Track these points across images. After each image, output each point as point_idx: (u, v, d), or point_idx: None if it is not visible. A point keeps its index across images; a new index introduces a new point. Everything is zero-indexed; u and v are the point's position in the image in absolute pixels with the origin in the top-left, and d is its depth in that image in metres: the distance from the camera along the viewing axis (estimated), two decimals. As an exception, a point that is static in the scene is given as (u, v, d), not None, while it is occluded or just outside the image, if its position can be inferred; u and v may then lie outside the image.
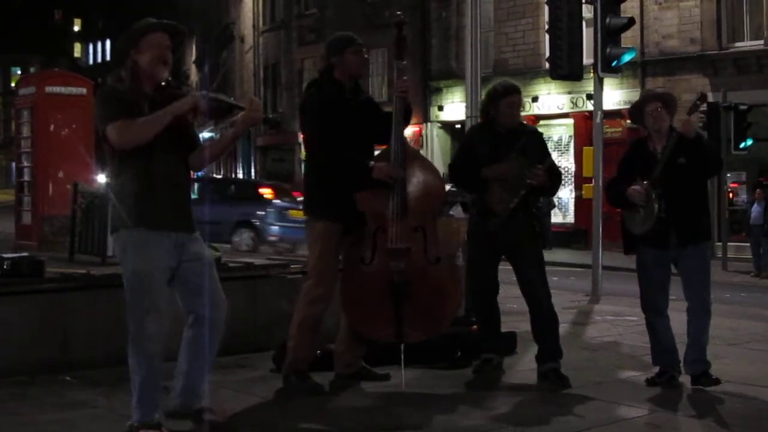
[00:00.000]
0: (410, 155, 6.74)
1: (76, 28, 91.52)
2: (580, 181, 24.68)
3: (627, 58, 13.57)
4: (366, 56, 6.77)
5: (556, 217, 27.49)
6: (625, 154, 7.19)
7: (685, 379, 6.84)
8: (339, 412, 6.07)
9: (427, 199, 6.64)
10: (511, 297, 7.28)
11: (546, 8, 14.51)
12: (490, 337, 7.34)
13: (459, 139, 29.14)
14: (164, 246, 5.13)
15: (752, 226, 22.06)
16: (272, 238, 21.23)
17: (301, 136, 7.12)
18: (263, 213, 21.58)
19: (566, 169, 27.20)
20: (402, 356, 6.55)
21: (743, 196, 25.32)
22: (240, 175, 48.77)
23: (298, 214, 24.75)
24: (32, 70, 65.51)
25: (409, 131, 34.21)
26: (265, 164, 44.25)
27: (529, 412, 6.18)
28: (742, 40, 25.27)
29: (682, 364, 6.85)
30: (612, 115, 24.70)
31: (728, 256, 22.20)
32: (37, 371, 6.67)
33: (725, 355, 7.97)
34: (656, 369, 6.98)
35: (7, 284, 6.97)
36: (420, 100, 34.03)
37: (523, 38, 30.03)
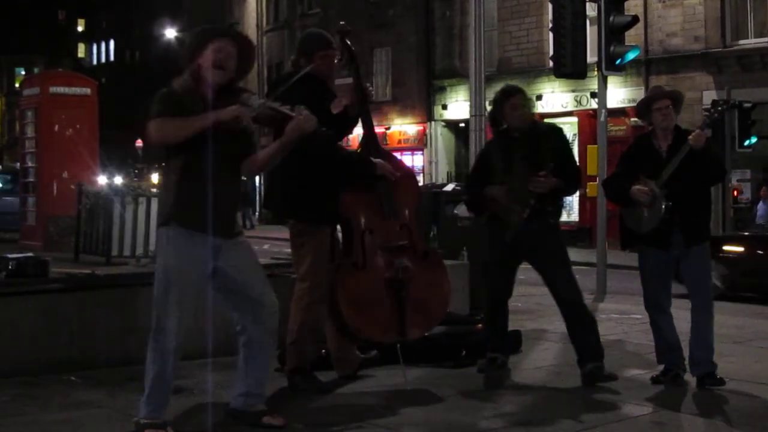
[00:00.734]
0: (388, 156, 6.87)
1: (80, 29, 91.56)
2: (584, 179, 24.60)
3: (631, 56, 13.56)
4: (335, 61, 6.69)
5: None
6: (629, 150, 7.16)
7: (689, 377, 6.84)
8: (343, 411, 6.07)
9: (410, 196, 6.81)
10: (516, 296, 7.27)
11: (550, 7, 14.52)
12: (496, 336, 7.32)
13: (462, 138, 29.19)
14: (198, 246, 5.18)
15: (757, 224, 22.01)
16: None
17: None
18: None
19: (570, 167, 27.18)
20: (400, 355, 6.56)
21: (747, 194, 25.27)
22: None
23: None
24: (36, 70, 65.56)
25: (413, 130, 34.28)
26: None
27: (535, 411, 6.18)
28: (747, 38, 25.21)
29: (687, 364, 6.83)
30: (616, 113, 24.66)
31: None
32: (42, 371, 6.68)
33: (730, 353, 7.96)
34: (661, 367, 6.97)
35: (12, 284, 6.98)
36: (424, 99, 34.07)
37: (526, 37, 30.01)
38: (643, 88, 26.11)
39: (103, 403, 6.05)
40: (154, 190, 11.58)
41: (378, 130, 7.04)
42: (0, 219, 17.44)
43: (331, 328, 6.74)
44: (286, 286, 7.54)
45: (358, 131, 6.84)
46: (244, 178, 5.65)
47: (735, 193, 24.64)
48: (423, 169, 33.24)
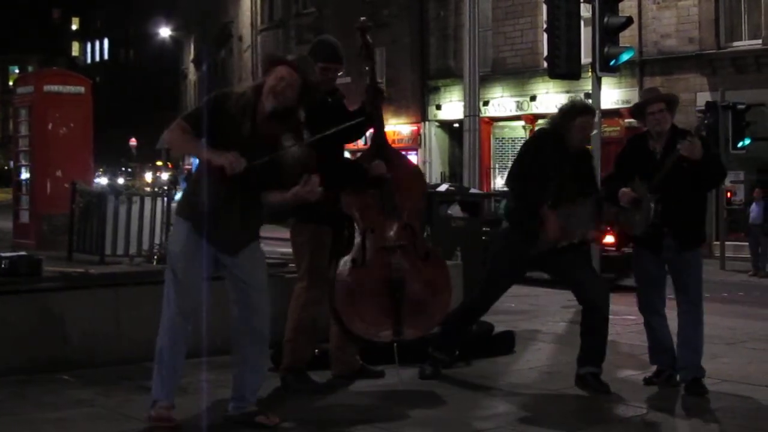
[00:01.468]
0: (393, 155, 6.83)
1: (75, 27, 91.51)
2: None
3: (625, 57, 13.57)
4: (332, 75, 6.60)
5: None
6: (623, 151, 7.13)
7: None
8: (336, 411, 6.08)
9: (413, 196, 6.76)
10: (510, 296, 7.27)
11: (544, 7, 14.52)
12: (458, 339, 7.22)
13: (456, 138, 29.18)
14: (197, 244, 5.36)
15: (751, 225, 22.05)
16: None
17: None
18: None
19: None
20: (396, 355, 6.56)
21: (741, 196, 25.32)
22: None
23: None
24: (30, 69, 65.49)
25: (407, 130, 34.30)
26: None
27: (528, 411, 6.17)
28: (741, 40, 25.27)
29: (677, 365, 6.81)
30: (610, 114, 24.69)
31: (726, 255, 22.21)
32: (35, 370, 6.66)
33: (723, 355, 7.98)
34: (653, 368, 6.98)
35: (5, 283, 6.97)
36: (418, 99, 34.08)
37: (521, 37, 30.03)
38: (637, 89, 26.14)
39: (96, 402, 6.04)
40: (148, 189, 11.56)
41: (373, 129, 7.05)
42: None
43: (334, 327, 6.75)
44: (279, 286, 7.55)
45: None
46: None
47: (728, 194, 24.68)
48: (417, 169, 33.23)
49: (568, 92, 27.43)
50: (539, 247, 6.66)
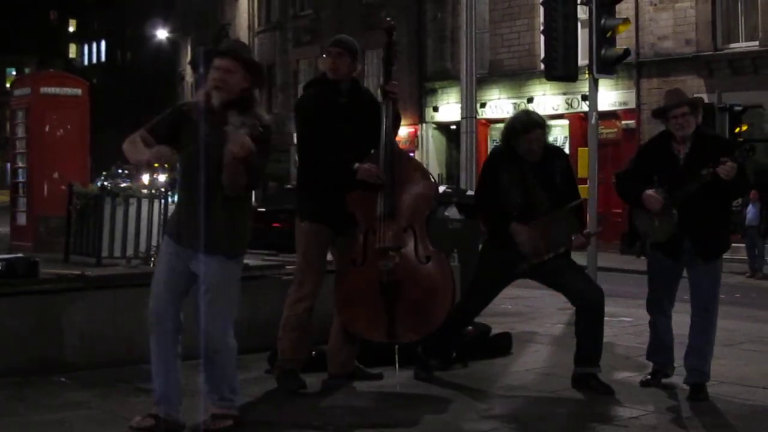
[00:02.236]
0: (400, 156, 6.80)
1: (72, 29, 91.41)
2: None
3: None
4: (333, 59, 6.62)
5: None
6: (646, 147, 6.98)
7: (678, 379, 6.84)
8: (333, 413, 6.08)
9: (416, 199, 6.68)
10: (507, 298, 7.27)
11: (541, 9, 14.52)
12: (450, 343, 7.23)
13: (453, 140, 29.19)
14: (172, 250, 5.46)
15: (747, 227, 22.07)
16: None
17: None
18: None
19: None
20: (396, 357, 6.57)
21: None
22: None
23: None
24: (27, 70, 65.45)
25: (404, 132, 34.29)
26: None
27: (524, 413, 6.19)
28: (737, 41, 25.30)
29: (684, 367, 6.77)
30: (607, 116, 24.75)
31: (723, 257, 22.17)
32: (32, 372, 6.67)
33: (720, 356, 7.96)
34: (650, 369, 6.98)
35: (2, 285, 6.96)
36: (415, 101, 34.09)
37: (518, 39, 30.05)
38: (634, 90, 26.21)
39: (93, 404, 6.05)
40: (145, 191, 11.56)
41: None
42: None
43: (333, 327, 6.76)
44: (276, 288, 7.58)
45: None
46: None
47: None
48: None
49: (564, 94, 27.55)
50: (526, 264, 6.65)
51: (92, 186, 13.52)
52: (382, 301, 6.47)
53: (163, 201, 10.77)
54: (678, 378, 6.85)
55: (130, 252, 10.14)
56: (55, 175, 13.85)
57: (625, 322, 9.72)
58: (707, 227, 6.56)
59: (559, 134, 29.38)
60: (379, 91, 6.85)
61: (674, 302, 6.89)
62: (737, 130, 21.42)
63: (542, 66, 13.69)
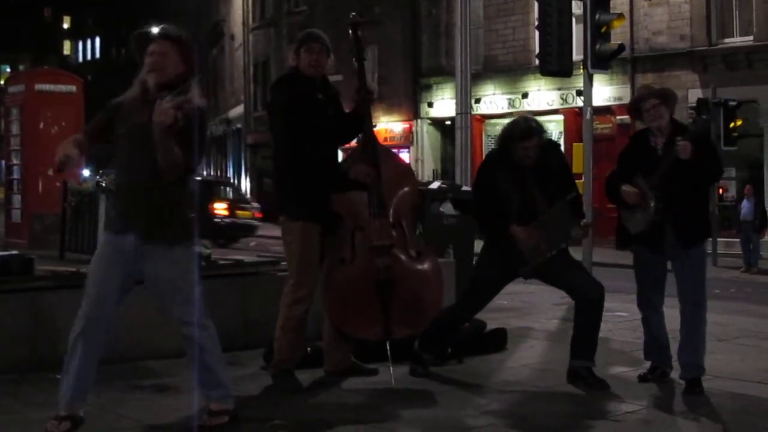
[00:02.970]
0: (383, 153, 6.80)
1: (66, 26, 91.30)
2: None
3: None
4: (317, 56, 6.52)
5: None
6: (626, 148, 7.03)
7: (674, 374, 6.85)
8: (329, 409, 6.07)
9: (403, 195, 6.71)
10: (503, 293, 7.25)
11: (536, 5, 14.51)
12: (446, 340, 7.25)
13: (448, 136, 29.22)
14: (112, 246, 5.28)
15: (742, 222, 22.12)
16: None
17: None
18: None
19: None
20: (389, 353, 6.57)
21: (732, 192, 25.38)
22: (230, 174, 48.73)
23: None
24: (21, 67, 65.36)
25: (399, 127, 34.31)
26: (255, 162, 44.23)
27: (519, 409, 6.19)
28: (732, 36, 25.33)
29: (676, 362, 6.79)
30: (602, 111, 24.75)
31: (718, 251, 22.25)
32: (27, 369, 6.66)
33: (715, 351, 7.98)
34: (647, 365, 6.99)
35: (-4, 282, 6.95)
36: (410, 97, 34.10)
37: (513, 35, 30.07)
38: (629, 86, 26.22)
39: (89, 401, 6.03)
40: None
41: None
42: None
43: (327, 324, 6.75)
44: (271, 284, 7.56)
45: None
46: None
47: (720, 191, 24.75)
48: (409, 167, 33.30)
49: (559, 89, 27.57)
50: (528, 265, 6.64)
51: (87, 183, 13.51)
52: (377, 299, 6.46)
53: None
54: (673, 373, 6.86)
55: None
56: (50, 171, 13.85)
57: (621, 317, 9.72)
58: (685, 214, 6.60)
59: (554, 129, 29.40)
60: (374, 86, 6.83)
61: (663, 297, 6.89)
62: (732, 125, 21.55)
63: (537, 61, 13.72)
